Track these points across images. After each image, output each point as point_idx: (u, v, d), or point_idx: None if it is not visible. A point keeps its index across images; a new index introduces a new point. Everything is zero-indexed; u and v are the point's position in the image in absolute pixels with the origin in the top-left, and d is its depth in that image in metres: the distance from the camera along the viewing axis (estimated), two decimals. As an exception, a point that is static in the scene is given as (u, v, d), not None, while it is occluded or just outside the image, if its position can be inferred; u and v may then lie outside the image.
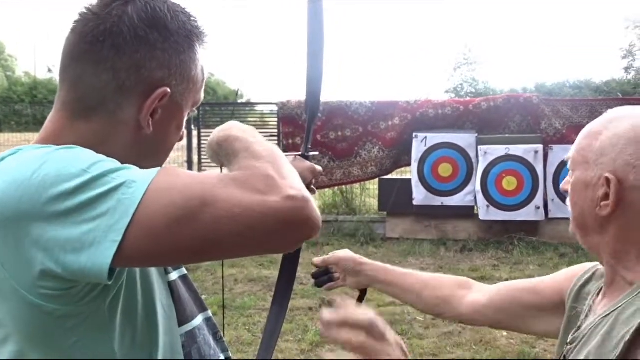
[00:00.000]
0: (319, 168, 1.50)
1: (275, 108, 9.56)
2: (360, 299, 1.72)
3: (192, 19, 1.09)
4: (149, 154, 1.08)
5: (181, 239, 0.87)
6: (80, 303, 0.95)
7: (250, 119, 11.57)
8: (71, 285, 0.92)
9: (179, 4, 1.09)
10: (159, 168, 0.93)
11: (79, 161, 0.91)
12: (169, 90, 1.04)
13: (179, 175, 0.92)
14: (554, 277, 1.47)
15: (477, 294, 1.57)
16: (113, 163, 0.93)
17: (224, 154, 1.06)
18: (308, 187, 1.51)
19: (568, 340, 1.26)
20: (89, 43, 1.02)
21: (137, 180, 0.89)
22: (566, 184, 1.27)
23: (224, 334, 1.33)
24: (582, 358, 1.16)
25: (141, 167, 0.98)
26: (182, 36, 1.06)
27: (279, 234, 0.90)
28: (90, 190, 0.87)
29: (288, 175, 0.94)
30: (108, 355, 1.01)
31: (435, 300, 1.61)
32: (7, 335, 0.99)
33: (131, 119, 1.04)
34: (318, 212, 0.93)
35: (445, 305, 1.60)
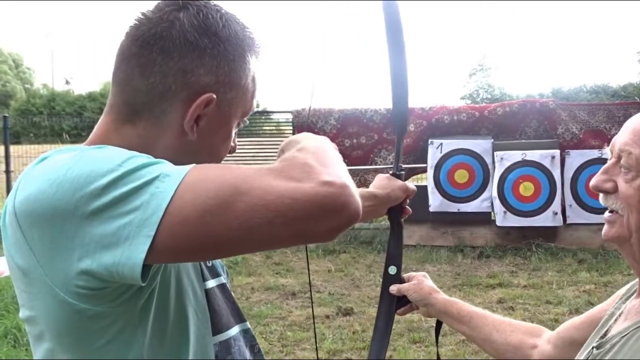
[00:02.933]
0: (411, 187, 1.53)
1: (290, 116, 9.59)
2: (437, 331, 1.74)
3: (247, 29, 1.09)
4: (194, 161, 1.03)
5: (215, 230, 0.85)
6: (112, 304, 0.95)
7: (265, 128, 11.60)
8: (105, 285, 0.92)
9: (233, 13, 1.08)
10: (197, 164, 0.92)
11: (113, 157, 0.91)
12: (214, 96, 1.03)
13: (214, 168, 0.91)
14: (604, 303, 1.41)
15: (545, 344, 1.53)
16: (147, 158, 0.93)
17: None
18: (401, 206, 1.59)
19: (595, 345, 1.23)
20: (139, 46, 1.03)
21: (170, 174, 0.88)
22: (604, 182, 1.19)
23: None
24: None
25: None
26: (232, 44, 1.05)
27: (314, 220, 0.86)
28: (124, 184, 0.87)
29: (330, 164, 0.92)
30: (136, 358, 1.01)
31: (504, 346, 1.57)
32: (41, 332, 1.01)
33: (176, 124, 1.04)
34: (358, 199, 0.89)
35: (515, 352, 1.55)
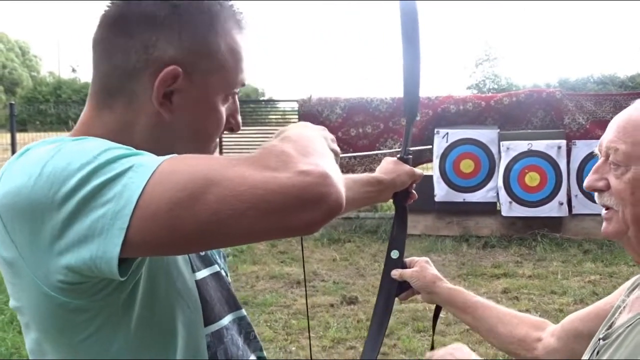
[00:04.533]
0: (418, 171, 1.52)
1: (296, 105, 9.58)
2: (435, 316, 1.72)
3: None
4: (179, 142, 1.03)
5: (184, 223, 0.82)
6: (94, 298, 0.95)
7: (271, 117, 11.59)
8: (85, 280, 0.91)
9: None
10: (174, 155, 0.89)
11: (89, 150, 0.89)
12: (180, 69, 0.99)
13: (189, 158, 0.88)
14: (610, 295, 1.42)
15: (549, 337, 1.53)
16: (126, 149, 0.90)
17: None
18: (407, 190, 1.58)
19: (601, 336, 1.24)
20: (102, 31, 1.02)
21: (144, 164, 0.86)
22: (597, 181, 1.21)
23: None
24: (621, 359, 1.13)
25: (172, 151, 0.96)
26: (195, 14, 1.01)
27: (289, 212, 0.82)
28: (97, 177, 0.85)
29: (311, 153, 0.87)
30: (120, 353, 1.00)
31: (509, 339, 1.57)
32: (28, 323, 1.01)
33: (148, 103, 1.01)
34: (340, 189, 0.85)
35: (520, 344, 1.55)
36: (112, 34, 1.01)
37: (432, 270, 1.65)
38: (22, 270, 0.94)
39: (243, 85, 1.09)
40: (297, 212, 0.82)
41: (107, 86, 1.03)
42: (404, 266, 1.62)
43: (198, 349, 1.12)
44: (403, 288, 1.63)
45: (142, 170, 0.85)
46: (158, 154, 0.92)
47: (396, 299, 1.65)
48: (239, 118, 1.12)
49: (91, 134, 1.01)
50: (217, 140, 1.13)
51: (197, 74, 1.01)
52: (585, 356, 1.28)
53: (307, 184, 0.81)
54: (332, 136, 1.16)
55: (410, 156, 1.56)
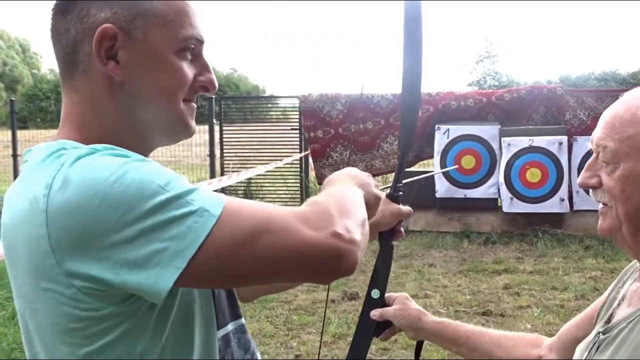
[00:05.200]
0: (405, 210, 1.44)
1: (296, 102, 9.58)
2: (418, 351, 1.62)
3: None
4: (141, 105, 1.06)
5: (235, 267, 0.93)
6: (120, 305, 0.96)
7: (272, 113, 11.60)
8: (116, 292, 0.94)
9: None
10: (224, 198, 0.96)
11: (156, 176, 0.93)
12: (111, 25, 1.02)
13: (246, 205, 0.97)
14: (599, 298, 1.42)
15: (548, 352, 1.51)
16: (185, 182, 0.96)
17: None
18: (394, 229, 1.47)
19: (601, 330, 1.24)
20: (50, 22, 1.08)
21: (209, 210, 0.92)
22: (589, 178, 1.21)
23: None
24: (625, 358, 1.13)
25: (145, 120, 1.06)
26: None
27: (317, 265, 0.96)
28: (166, 212, 0.90)
29: (347, 215, 1.01)
30: (144, 354, 1.01)
31: None
32: (42, 325, 1.01)
33: (98, 71, 1.04)
34: (359, 255, 0.98)
35: None
36: (55, 20, 1.07)
37: (414, 305, 1.57)
38: (50, 269, 0.94)
39: (201, 41, 1.10)
40: (322, 266, 0.96)
41: (64, 69, 1.08)
42: (384, 305, 1.54)
43: (212, 352, 1.13)
44: (382, 327, 1.54)
45: (207, 215, 0.92)
46: (128, 125, 1.05)
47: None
48: (211, 76, 1.13)
49: (74, 121, 1.07)
50: (193, 104, 1.13)
51: (136, 31, 1.04)
52: (582, 352, 1.28)
53: (336, 247, 0.95)
54: (374, 182, 1.26)
55: (400, 193, 1.45)
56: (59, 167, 0.94)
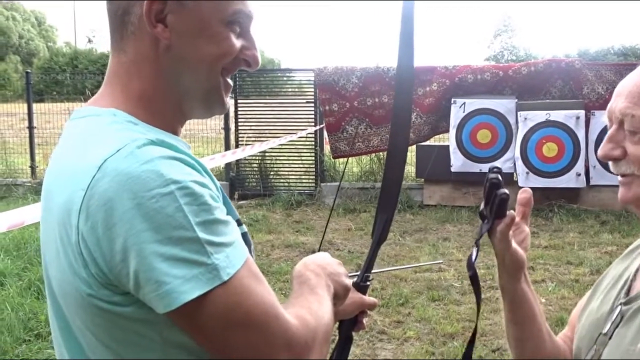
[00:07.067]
0: (369, 301, 1.35)
1: (311, 75, 9.53)
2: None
3: None
4: (186, 70, 1.08)
5: (208, 337, 0.96)
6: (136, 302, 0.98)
7: (287, 87, 11.56)
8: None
9: None
10: (242, 265, 0.97)
11: (194, 211, 0.93)
12: None
13: (248, 293, 0.96)
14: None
15: (566, 341, 1.42)
16: (221, 229, 0.96)
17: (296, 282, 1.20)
18: (356, 319, 1.36)
19: (623, 301, 1.24)
20: None
21: (219, 270, 0.93)
22: (612, 150, 1.19)
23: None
24: None
25: (185, 86, 1.08)
26: None
27: None
28: (181, 249, 0.92)
29: (326, 347, 1.08)
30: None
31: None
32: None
33: (146, 33, 1.06)
34: None
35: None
36: None
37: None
38: (87, 280, 0.96)
39: (250, 17, 1.11)
40: None
41: (114, 29, 1.10)
42: None
43: None
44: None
45: (214, 275, 0.93)
46: (169, 90, 1.07)
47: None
48: (256, 53, 1.14)
49: (120, 83, 1.09)
50: (230, 80, 1.14)
51: None
52: (598, 326, 1.27)
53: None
54: (344, 271, 1.26)
55: (369, 283, 1.35)
56: (116, 150, 0.95)
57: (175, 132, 1.12)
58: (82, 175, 0.95)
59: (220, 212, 0.98)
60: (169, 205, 0.91)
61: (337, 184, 9.53)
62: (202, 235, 0.93)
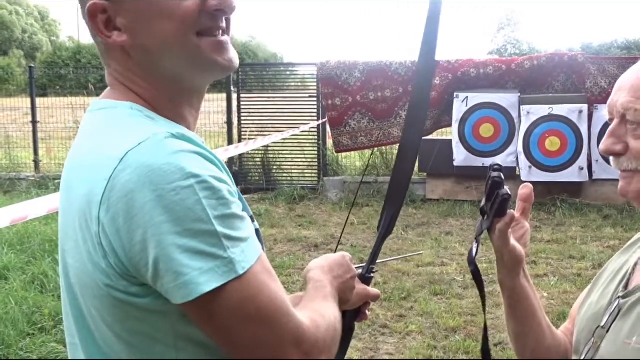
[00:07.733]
0: (373, 293, 1.35)
1: (314, 69, 9.52)
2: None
3: None
4: (158, 58, 1.07)
5: (217, 331, 0.97)
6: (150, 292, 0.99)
7: (290, 81, 11.55)
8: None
9: None
10: (257, 262, 0.98)
11: (213, 205, 0.95)
12: (99, 1, 1.04)
13: (261, 289, 0.97)
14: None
15: (566, 335, 1.42)
16: (238, 224, 0.98)
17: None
18: (359, 309, 1.37)
19: (620, 295, 1.24)
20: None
21: (235, 264, 0.95)
22: (614, 145, 1.19)
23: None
24: None
25: (171, 71, 1.07)
26: None
27: None
28: (199, 241, 0.93)
29: (332, 348, 1.08)
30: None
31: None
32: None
33: (111, 45, 1.08)
34: None
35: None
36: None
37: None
38: (105, 271, 0.97)
39: None
40: None
41: (98, 50, 1.13)
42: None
43: None
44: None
45: (230, 269, 0.94)
46: (161, 82, 1.08)
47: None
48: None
49: (118, 83, 1.11)
50: (218, 39, 1.08)
51: None
52: (595, 319, 1.28)
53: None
54: (352, 271, 1.29)
55: (372, 275, 1.36)
56: (137, 142, 0.96)
57: (188, 123, 1.13)
58: (104, 167, 0.96)
59: (237, 207, 0.99)
60: (188, 198, 0.92)
61: (340, 178, 9.52)
62: (219, 229, 0.94)
